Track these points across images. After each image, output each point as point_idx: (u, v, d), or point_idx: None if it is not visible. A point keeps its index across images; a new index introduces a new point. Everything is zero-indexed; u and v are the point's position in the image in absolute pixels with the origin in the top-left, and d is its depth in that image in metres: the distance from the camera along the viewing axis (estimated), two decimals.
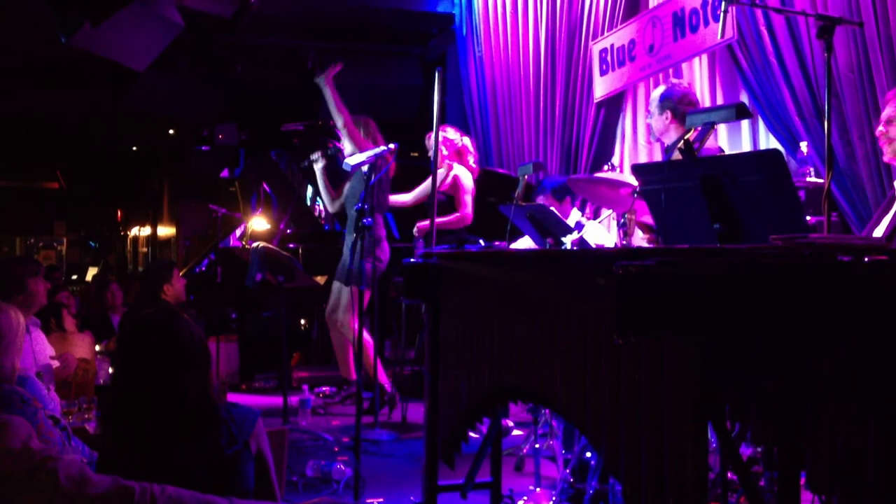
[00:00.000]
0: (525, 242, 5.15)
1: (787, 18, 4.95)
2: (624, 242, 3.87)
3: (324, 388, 7.12)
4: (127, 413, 2.36)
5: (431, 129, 5.90)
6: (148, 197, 18.24)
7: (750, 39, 5.28)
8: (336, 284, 6.30)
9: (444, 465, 3.26)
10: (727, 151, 5.18)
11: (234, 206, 10.03)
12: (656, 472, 1.96)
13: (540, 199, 5.98)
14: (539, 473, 4.31)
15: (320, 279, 7.61)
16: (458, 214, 6.35)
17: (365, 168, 5.00)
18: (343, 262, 6.09)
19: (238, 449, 2.37)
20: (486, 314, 2.88)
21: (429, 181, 6.52)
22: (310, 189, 10.10)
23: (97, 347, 5.76)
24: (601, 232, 4.97)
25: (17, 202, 19.14)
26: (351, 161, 5.18)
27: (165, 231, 17.60)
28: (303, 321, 9.26)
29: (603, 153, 6.97)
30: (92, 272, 18.16)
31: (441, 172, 6.31)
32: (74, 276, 18.36)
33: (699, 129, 2.95)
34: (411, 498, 4.14)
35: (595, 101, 6.95)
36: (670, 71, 6.11)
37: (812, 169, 4.73)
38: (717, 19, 5.41)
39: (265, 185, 10.20)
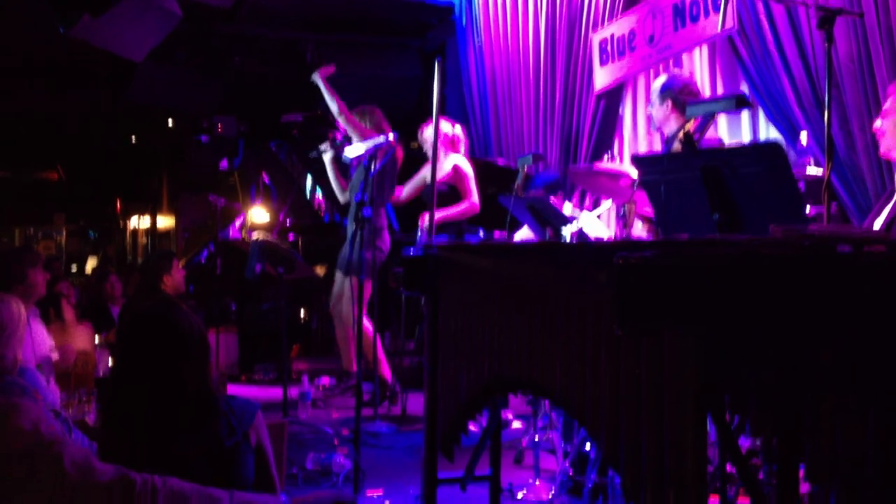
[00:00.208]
0: (524, 233, 5.15)
1: (787, 8, 4.94)
2: (624, 233, 3.87)
3: (323, 380, 7.12)
4: (127, 404, 2.36)
5: (431, 120, 5.90)
6: (147, 188, 18.22)
7: (750, 30, 5.27)
8: (339, 275, 6.30)
9: (443, 458, 3.26)
10: (727, 142, 5.17)
11: (234, 197, 10.04)
12: (656, 464, 1.96)
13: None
14: (538, 466, 4.31)
15: (320, 270, 7.62)
16: (466, 203, 6.29)
17: (365, 158, 4.99)
18: (344, 252, 6.09)
19: (237, 441, 2.37)
20: (485, 306, 2.87)
21: (419, 176, 6.54)
22: (309, 180, 10.10)
23: (96, 339, 5.76)
24: (596, 223, 4.97)
25: (17, 193, 19.12)
26: (350, 152, 5.17)
27: (165, 222, 17.58)
28: (302, 312, 9.25)
29: (603, 144, 6.96)
30: (91, 263, 18.17)
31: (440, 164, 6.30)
32: (74, 267, 18.36)
33: (699, 119, 2.95)
34: (411, 490, 4.14)
35: (595, 91, 6.94)
36: (670, 61, 6.10)
37: (812, 159, 4.72)
38: (717, 9, 5.40)
39: (264, 177, 10.20)
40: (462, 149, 6.51)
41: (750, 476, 2.34)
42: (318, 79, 6.13)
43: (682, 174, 2.83)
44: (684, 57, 6.09)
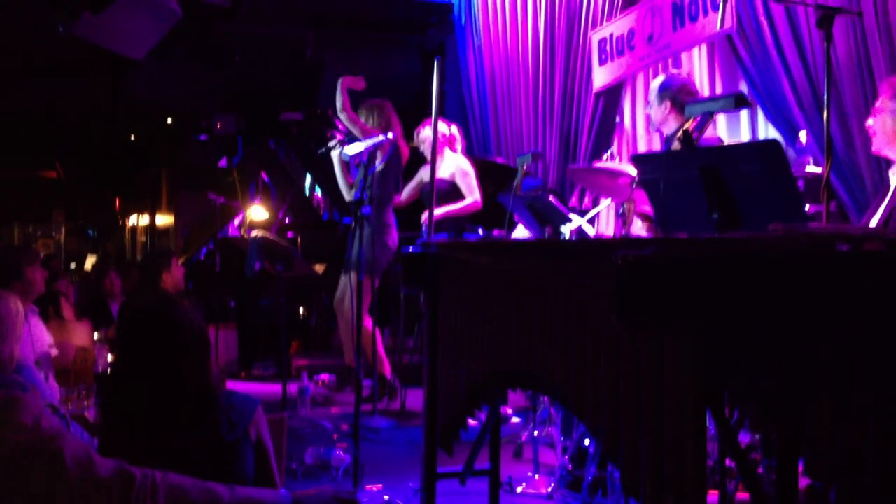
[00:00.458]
0: (520, 231, 5.15)
1: (786, 8, 4.95)
2: (623, 232, 3.88)
3: (323, 376, 7.13)
4: (127, 401, 2.37)
5: (427, 122, 5.90)
6: (146, 186, 18.22)
7: (749, 29, 5.28)
8: (343, 273, 6.31)
9: (442, 453, 3.27)
10: (726, 141, 5.18)
11: (233, 194, 10.03)
12: (655, 458, 1.97)
13: None
14: (538, 460, 4.33)
15: (319, 268, 7.62)
16: (471, 199, 6.30)
17: (365, 156, 4.99)
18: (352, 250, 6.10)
19: (238, 436, 2.38)
20: (484, 303, 2.88)
21: (415, 180, 6.55)
22: (308, 178, 10.10)
23: (96, 335, 5.77)
24: (584, 226, 4.98)
25: (16, 190, 19.10)
26: (349, 150, 5.18)
27: (164, 220, 17.58)
28: (301, 309, 9.26)
29: (602, 143, 6.97)
30: (90, 260, 18.15)
31: (440, 163, 6.30)
32: (73, 265, 18.35)
33: (698, 118, 2.96)
34: (410, 485, 4.16)
35: (594, 90, 6.95)
36: (669, 61, 6.11)
37: (811, 158, 4.73)
38: (716, 9, 5.41)
39: (263, 174, 10.20)
40: (459, 148, 6.52)
41: (749, 471, 2.35)
42: (339, 83, 6.09)
43: (680, 173, 2.84)
44: (683, 56, 6.10)
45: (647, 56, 6.25)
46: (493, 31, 8.53)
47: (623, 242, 2.54)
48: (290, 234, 8.00)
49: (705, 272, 1.88)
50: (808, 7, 4.64)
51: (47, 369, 4.38)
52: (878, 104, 3.40)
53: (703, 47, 6.03)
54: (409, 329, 6.80)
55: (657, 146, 6.16)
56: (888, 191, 3.36)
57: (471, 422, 3.23)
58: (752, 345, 1.84)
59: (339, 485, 4.26)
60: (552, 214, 4.44)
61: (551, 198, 5.23)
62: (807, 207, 3.56)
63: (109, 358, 4.69)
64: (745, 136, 5.75)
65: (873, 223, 3.31)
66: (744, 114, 5.72)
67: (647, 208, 3.95)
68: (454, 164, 6.34)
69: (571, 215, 4.48)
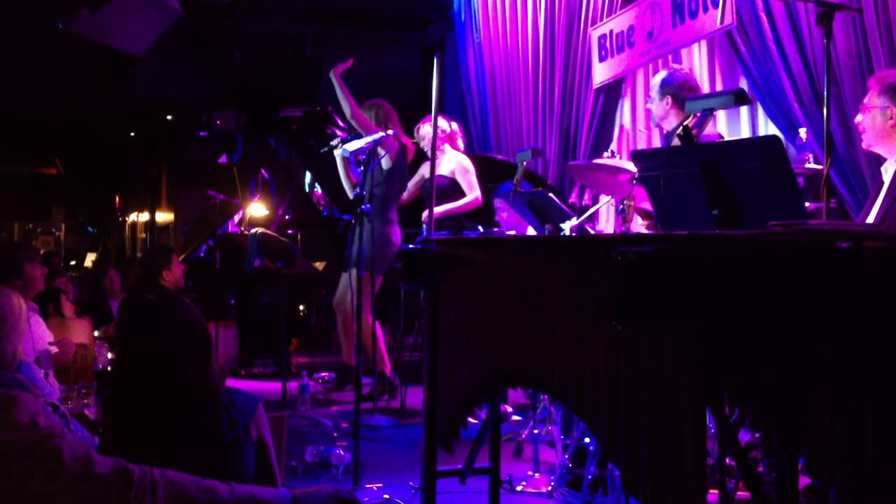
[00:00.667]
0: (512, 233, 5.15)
1: (786, 4, 4.95)
2: (623, 228, 3.88)
3: (323, 374, 7.13)
4: (128, 398, 2.36)
5: (427, 119, 5.88)
6: (146, 183, 18.23)
7: (749, 25, 5.27)
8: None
9: (442, 451, 3.26)
10: (726, 138, 5.17)
11: (233, 192, 10.02)
12: (655, 457, 1.97)
13: (497, 203, 6.00)
14: (538, 459, 4.32)
15: (319, 265, 7.62)
16: (472, 197, 6.30)
17: (365, 152, 4.99)
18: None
19: (239, 434, 2.38)
20: (484, 300, 2.88)
21: (416, 177, 6.55)
22: (308, 175, 10.10)
23: (96, 333, 5.76)
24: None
25: (16, 188, 19.11)
26: (349, 147, 5.17)
27: (164, 217, 17.59)
28: (301, 307, 9.26)
29: (602, 139, 6.97)
30: (90, 258, 18.17)
31: (440, 160, 6.29)
32: (73, 262, 18.36)
33: (698, 115, 2.95)
34: (410, 483, 4.15)
35: (594, 87, 6.94)
36: (669, 57, 6.10)
37: (811, 155, 4.72)
38: (716, 5, 5.41)
39: (263, 171, 10.19)
40: (460, 144, 6.52)
41: (749, 469, 2.35)
42: (334, 76, 6.09)
43: (680, 169, 2.83)
44: (683, 53, 6.09)
45: (647, 52, 6.24)
46: (493, 27, 8.52)
47: (623, 238, 2.54)
48: (289, 231, 7.99)
49: (705, 271, 1.87)
50: (807, 3, 4.63)
51: (47, 367, 4.38)
52: (865, 100, 3.40)
53: (703, 44, 6.02)
54: (408, 327, 6.80)
55: (657, 143, 6.16)
56: (882, 187, 3.36)
57: (471, 420, 3.23)
58: (752, 344, 1.84)
59: (338, 483, 4.26)
60: (552, 212, 4.44)
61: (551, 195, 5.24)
62: (807, 204, 3.56)
63: (109, 355, 4.68)
64: (745, 133, 5.74)
65: (870, 220, 3.31)
66: (744, 110, 5.71)
67: (647, 205, 3.94)
68: (455, 161, 6.34)
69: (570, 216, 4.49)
